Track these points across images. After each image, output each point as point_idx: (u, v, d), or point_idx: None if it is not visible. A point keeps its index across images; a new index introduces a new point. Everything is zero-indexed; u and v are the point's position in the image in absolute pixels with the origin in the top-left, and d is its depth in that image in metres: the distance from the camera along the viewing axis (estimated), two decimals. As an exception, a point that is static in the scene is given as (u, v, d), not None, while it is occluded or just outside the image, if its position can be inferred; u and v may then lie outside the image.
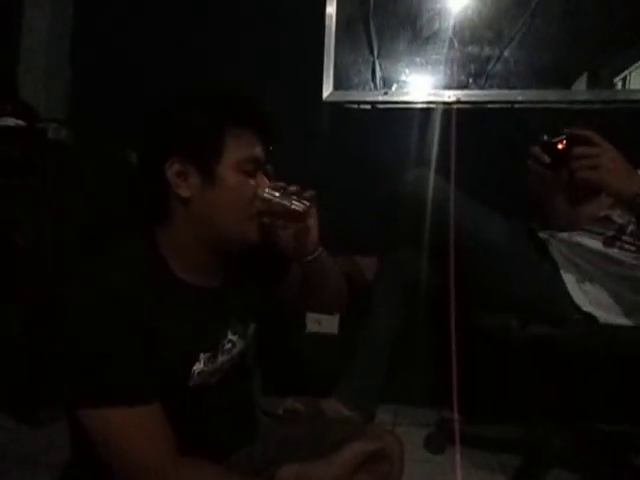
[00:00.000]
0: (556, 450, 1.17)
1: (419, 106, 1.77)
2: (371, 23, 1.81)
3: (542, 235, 1.20)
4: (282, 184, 0.75)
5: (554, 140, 1.02)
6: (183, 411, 0.65)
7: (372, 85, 1.82)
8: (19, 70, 1.84)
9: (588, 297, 1.07)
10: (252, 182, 0.71)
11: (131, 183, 0.80)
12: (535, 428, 1.24)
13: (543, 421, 1.22)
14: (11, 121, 1.48)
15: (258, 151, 0.71)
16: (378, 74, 1.82)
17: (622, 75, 1.72)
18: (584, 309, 1.06)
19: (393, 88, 1.80)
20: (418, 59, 1.81)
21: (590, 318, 1.05)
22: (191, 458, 0.63)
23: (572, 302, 1.07)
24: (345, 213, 1.73)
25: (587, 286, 1.08)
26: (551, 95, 1.71)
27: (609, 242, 1.09)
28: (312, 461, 0.73)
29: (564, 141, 0.99)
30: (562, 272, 1.10)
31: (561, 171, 1.01)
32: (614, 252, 1.07)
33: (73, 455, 0.74)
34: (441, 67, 1.79)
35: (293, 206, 0.73)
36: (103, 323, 0.60)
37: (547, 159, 1.04)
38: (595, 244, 1.10)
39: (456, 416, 1.38)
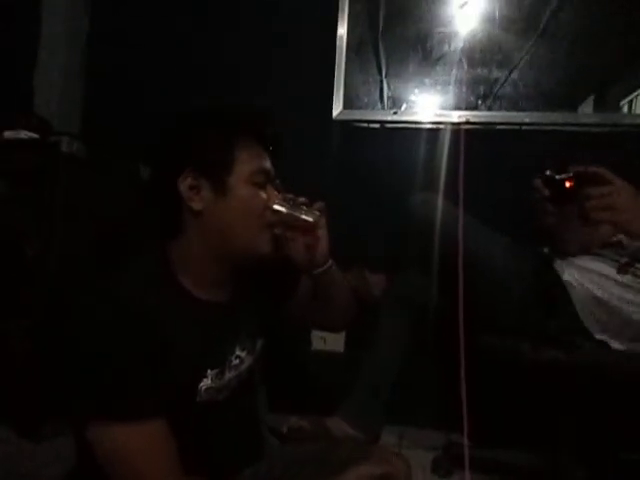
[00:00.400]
0: (569, 477, 1.14)
1: (427, 126, 1.78)
2: (380, 44, 1.84)
3: (554, 259, 1.19)
4: (291, 196, 0.76)
5: (560, 177, 0.94)
6: (189, 428, 0.65)
7: (381, 105, 1.84)
8: (35, 84, 1.87)
9: (599, 324, 1.05)
10: (262, 194, 0.72)
11: (143, 198, 0.80)
12: (547, 454, 1.21)
13: (554, 447, 1.20)
14: (25, 134, 1.50)
15: (267, 164, 0.73)
16: (387, 94, 1.84)
17: (629, 98, 1.73)
18: (596, 337, 1.04)
19: (402, 108, 1.81)
20: (427, 80, 1.83)
21: (601, 344, 1.04)
22: (195, 478, 0.62)
23: (583, 328, 1.05)
24: (354, 230, 1.73)
25: (599, 313, 1.07)
26: (559, 117, 1.72)
27: (623, 269, 1.08)
28: (318, 482, 0.73)
29: (572, 179, 0.91)
30: (573, 298, 1.09)
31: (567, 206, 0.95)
32: (628, 279, 1.06)
33: (77, 470, 0.73)
34: (450, 88, 1.81)
35: (303, 216, 0.74)
36: (114, 339, 0.60)
37: (548, 193, 0.99)
38: (609, 270, 1.09)
39: (465, 440, 1.36)
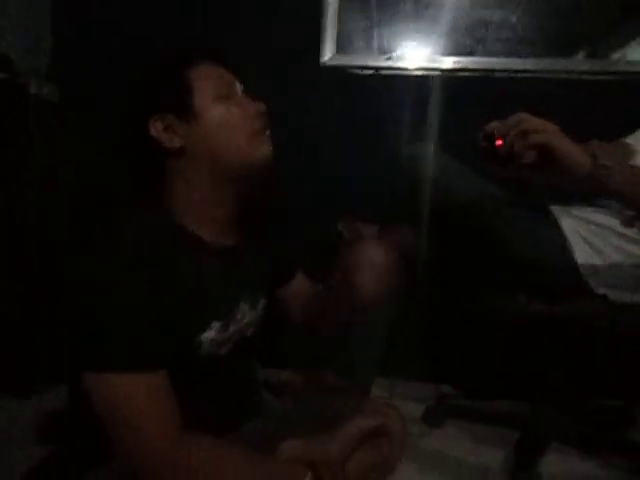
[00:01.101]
0: (556, 425, 1.17)
1: (422, 73, 1.70)
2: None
3: (554, 209, 1.16)
4: None
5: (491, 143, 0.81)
6: (190, 380, 0.63)
7: (375, 50, 1.74)
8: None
9: (600, 277, 1.04)
10: (234, 104, 0.71)
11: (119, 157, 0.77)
12: (536, 404, 1.24)
13: (544, 397, 1.22)
14: (-10, 73, 1.37)
15: (227, 77, 0.72)
16: (380, 38, 1.75)
17: (619, 52, 1.68)
18: (597, 291, 1.03)
19: (396, 53, 1.73)
20: (422, 24, 1.74)
21: (601, 297, 1.03)
22: (194, 432, 0.60)
23: (583, 281, 1.04)
24: (344, 181, 1.67)
25: (599, 265, 1.05)
26: (554, 64, 1.66)
27: (629, 222, 1.05)
28: (313, 437, 0.72)
29: (499, 137, 0.79)
30: (574, 249, 1.07)
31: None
32: (633, 232, 1.04)
33: (70, 425, 0.74)
34: (446, 33, 1.72)
35: None
36: (121, 285, 0.58)
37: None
38: (612, 222, 1.06)
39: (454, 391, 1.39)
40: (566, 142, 0.75)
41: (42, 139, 1.34)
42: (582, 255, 1.06)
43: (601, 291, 1.02)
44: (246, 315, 0.75)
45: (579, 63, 1.67)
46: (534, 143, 0.74)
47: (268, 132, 0.73)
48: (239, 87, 0.74)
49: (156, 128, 0.68)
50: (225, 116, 0.69)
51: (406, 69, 1.72)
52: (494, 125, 0.79)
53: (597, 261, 1.05)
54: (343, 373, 1.26)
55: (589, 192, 0.92)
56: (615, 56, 1.68)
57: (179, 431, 0.59)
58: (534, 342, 1.17)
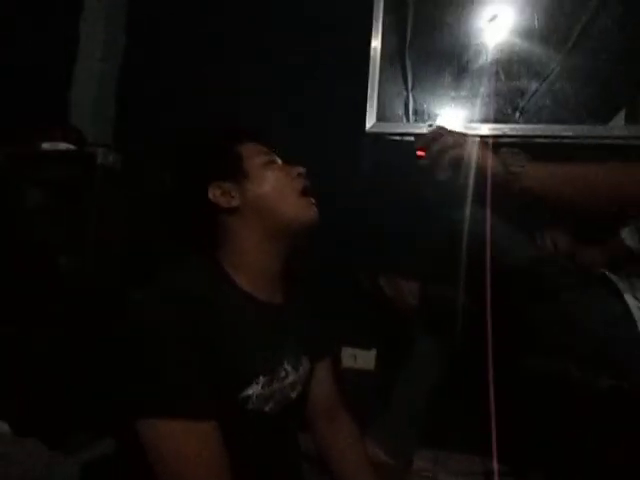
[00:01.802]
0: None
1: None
2: (411, 56, 1.82)
3: (614, 279, 1.12)
4: None
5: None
6: (236, 436, 0.63)
7: (414, 118, 1.81)
8: (70, 95, 1.90)
9: None
10: (279, 168, 0.80)
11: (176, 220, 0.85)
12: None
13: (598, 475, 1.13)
14: (62, 145, 1.51)
15: (264, 149, 0.82)
16: (417, 107, 1.81)
17: None
18: None
19: (437, 121, 1.78)
20: (462, 92, 1.80)
21: None
22: None
23: None
24: (386, 244, 1.70)
25: None
26: (592, 130, 1.67)
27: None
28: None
29: (420, 148, 0.89)
30: (637, 321, 1.02)
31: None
32: None
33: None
34: (485, 100, 1.78)
35: None
36: (177, 335, 0.61)
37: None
38: None
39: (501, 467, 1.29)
40: (482, 153, 0.83)
41: (106, 204, 1.44)
42: None
43: None
44: (289, 375, 0.75)
45: (617, 129, 1.67)
46: (452, 157, 0.83)
47: (311, 198, 0.79)
48: (275, 157, 0.83)
49: (214, 194, 0.76)
50: (273, 177, 0.77)
51: (446, 136, 1.76)
52: (418, 140, 0.89)
53: None
54: (384, 445, 1.20)
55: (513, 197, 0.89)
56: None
57: None
58: (597, 418, 1.10)
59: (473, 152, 0.84)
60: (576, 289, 1.06)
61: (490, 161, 0.84)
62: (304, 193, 0.78)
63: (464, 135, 0.86)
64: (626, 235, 1.29)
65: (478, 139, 0.87)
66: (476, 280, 1.13)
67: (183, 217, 0.82)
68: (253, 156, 0.79)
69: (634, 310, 1.01)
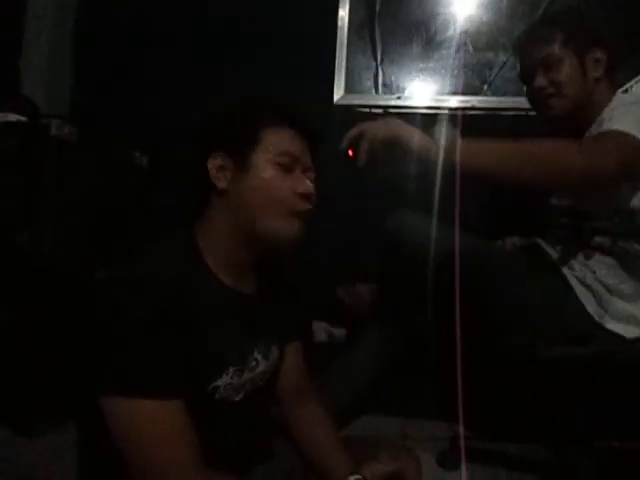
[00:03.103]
0: (575, 469, 1.13)
1: (433, 112, 1.73)
2: (380, 27, 1.79)
3: (549, 251, 1.15)
4: None
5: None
6: (204, 424, 0.62)
7: (383, 90, 1.79)
8: (21, 65, 1.79)
9: (608, 313, 1.01)
10: (288, 177, 0.70)
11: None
12: (555, 447, 1.20)
13: (562, 440, 1.18)
14: (12, 116, 1.42)
15: (295, 148, 0.71)
16: (386, 79, 1.79)
17: (624, 88, 1.70)
18: (607, 327, 1.01)
19: (405, 93, 1.77)
20: (431, 64, 1.79)
21: (614, 335, 1.01)
22: (214, 470, 0.60)
23: (592, 320, 1.01)
24: (352, 222, 1.71)
25: (603, 300, 1.03)
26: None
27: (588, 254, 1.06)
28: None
29: (349, 148, 0.91)
30: (575, 288, 1.04)
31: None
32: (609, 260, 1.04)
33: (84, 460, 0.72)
34: (454, 73, 1.77)
35: None
36: (148, 314, 0.58)
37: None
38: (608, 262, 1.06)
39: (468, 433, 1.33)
40: (406, 131, 0.87)
41: (60, 176, 1.37)
42: (583, 291, 1.04)
43: (611, 326, 1.00)
44: (260, 364, 0.74)
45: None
46: (381, 140, 0.85)
47: (307, 215, 0.72)
48: (307, 159, 0.73)
49: (212, 163, 0.70)
50: (273, 182, 0.69)
51: (414, 108, 1.76)
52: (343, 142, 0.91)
53: (598, 293, 1.03)
54: None
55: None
56: (620, 90, 1.70)
57: (197, 466, 0.58)
58: (553, 384, 1.14)
59: (403, 134, 0.86)
60: (518, 268, 1.08)
61: (422, 140, 0.86)
62: (296, 215, 0.70)
63: (385, 121, 0.88)
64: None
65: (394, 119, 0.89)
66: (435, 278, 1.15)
67: (185, 174, 0.77)
68: (271, 146, 0.69)
69: (571, 280, 1.04)
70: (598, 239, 1.06)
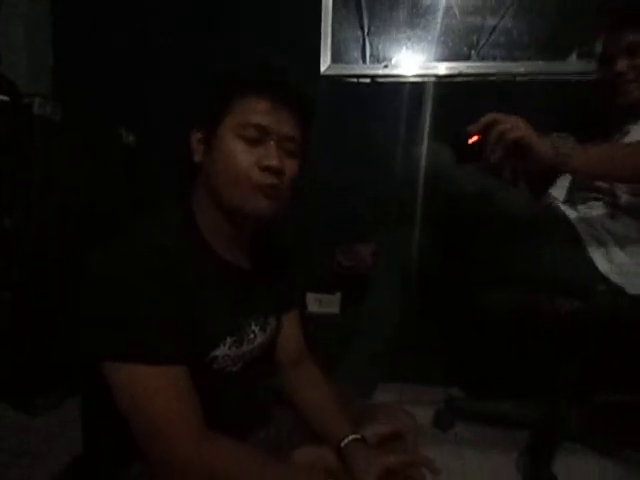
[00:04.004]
0: (570, 423, 1.16)
1: (420, 80, 1.72)
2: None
3: (560, 206, 1.17)
4: None
5: (461, 142, 0.96)
6: (203, 394, 0.62)
7: (370, 59, 1.76)
8: (-1, 43, 1.73)
9: (613, 266, 1.04)
10: (255, 150, 0.67)
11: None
12: (549, 404, 1.23)
13: (558, 396, 1.21)
14: (-8, 96, 1.39)
15: (267, 120, 0.67)
16: (372, 48, 1.77)
17: None
18: (612, 279, 1.04)
19: (393, 61, 1.75)
20: (417, 31, 1.76)
21: (617, 289, 1.03)
22: (218, 432, 0.60)
23: (598, 272, 1.04)
24: (342, 190, 1.70)
25: (612, 254, 1.05)
26: (550, 67, 1.68)
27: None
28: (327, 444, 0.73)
29: (476, 134, 0.94)
30: (585, 241, 1.07)
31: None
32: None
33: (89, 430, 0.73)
34: (441, 39, 1.74)
35: None
36: (146, 280, 0.59)
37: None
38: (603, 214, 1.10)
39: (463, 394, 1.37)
40: (534, 135, 0.90)
41: (44, 157, 1.35)
42: (591, 243, 1.07)
43: (615, 279, 1.03)
44: (257, 336, 0.75)
45: (569, 65, 1.69)
46: (510, 139, 0.89)
47: (274, 189, 0.68)
48: (285, 129, 0.68)
49: (194, 136, 0.71)
50: (235, 156, 0.66)
51: (402, 76, 1.74)
52: (471, 127, 0.93)
53: (606, 248, 1.06)
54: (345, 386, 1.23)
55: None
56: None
57: (202, 428, 0.59)
58: (547, 339, 1.17)
59: (530, 135, 0.90)
60: (532, 222, 1.10)
61: (543, 143, 0.91)
62: (259, 189, 0.67)
63: (517, 120, 0.91)
64: None
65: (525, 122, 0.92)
66: (444, 219, 1.17)
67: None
68: (239, 119, 0.66)
69: (583, 235, 1.07)
70: (625, 198, 1.10)
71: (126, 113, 1.71)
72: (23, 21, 1.74)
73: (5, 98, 1.39)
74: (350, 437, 0.72)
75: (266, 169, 0.66)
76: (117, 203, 1.61)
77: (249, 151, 0.66)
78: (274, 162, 0.66)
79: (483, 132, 0.92)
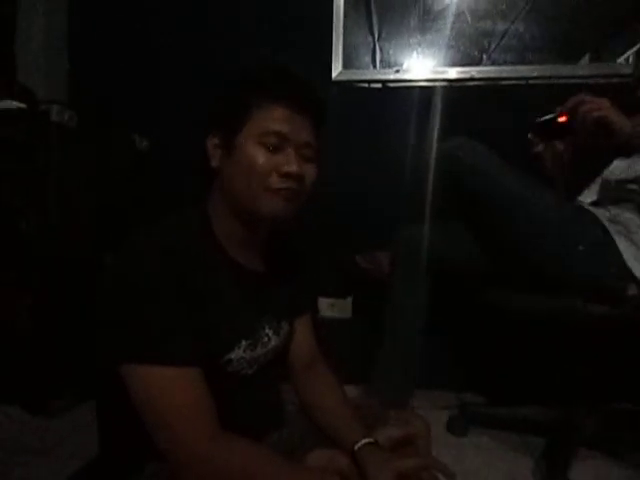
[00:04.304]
0: (586, 431, 1.14)
1: (432, 84, 1.72)
2: (372, 0, 1.77)
3: (590, 208, 1.16)
4: None
5: (551, 116, 1.12)
6: (217, 396, 0.63)
7: (379, 65, 1.77)
8: (17, 51, 1.77)
9: None
10: (274, 157, 0.68)
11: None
12: (565, 409, 1.21)
13: (575, 402, 1.19)
14: (11, 104, 1.42)
15: (286, 128, 0.68)
16: (384, 53, 1.77)
17: (624, 56, 1.69)
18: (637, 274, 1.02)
19: (404, 66, 1.75)
20: (428, 36, 1.76)
21: None
22: (232, 433, 0.61)
23: (629, 273, 1.03)
24: (356, 193, 1.71)
25: None
26: (562, 70, 1.67)
27: None
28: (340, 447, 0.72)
29: (564, 113, 1.09)
30: (617, 243, 1.06)
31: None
32: None
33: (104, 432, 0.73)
34: (452, 44, 1.75)
35: None
36: (161, 282, 0.60)
37: (544, 138, 1.22)
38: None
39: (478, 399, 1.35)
40: (616, 115, 1.02)
41: (60, 162, 1.37)
42: (624, 245, 1.06)
43: None
44: (271, 340, 0.76)
45: (582, 68, 1.68)
46: (595, 118, 1.02)
47: (293, 193, 0.69)
48: (303, 135, 0.69)
49: (210, 142, 0.71)
50: (255, 161, 0.67)
51: (413, 81, 1.74)
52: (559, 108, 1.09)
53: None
54: (384, 397, 1.23)
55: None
56: (620, 59, 1.69)
57: (217, 428, 0.60)
58: (569, 343, 1.15)
59: (612, 114, 1.02)
60: (564, 223, 1.10)
61: (623, 123, 1.03)
62: (276, 193, 0.68)
63: (602, 100, 1.04)
64: None
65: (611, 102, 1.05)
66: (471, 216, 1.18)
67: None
68: (256, 127, 0.67)
69: (615, 236, 1.06)
70: None
71: (140, 119, 1.74)
72: (40, 29, 1.78)
73: (23, 105, 1.42)
74: (363, 441, 0.72)
75: (286, 175, 0.67)
76: (130, 207, 1.63)
77: (269, 158, 0.67)
78: (294, 168, 0.67)
79: (570, 112, 1.06)
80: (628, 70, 1.65)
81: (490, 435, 1.31)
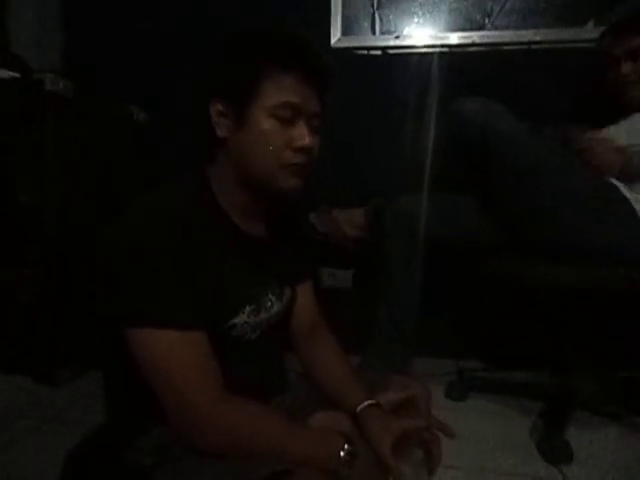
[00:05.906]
0: (583, 394, 1.17)
1: (433, 50, 1.68)
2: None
3: (616, 183, 1.14)
4: None
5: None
6: (221, 360, 0.63)
7: (379, 31, 1.73)
8: (8, 20, 1.73)
9: None
10: (286, 130, 0.66)
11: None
12: (562, 375, 1.23)
13: (572, 368, 1.21)
14: (4, 73, 1.39)
15: (298, 98, 0.66)
16: (383, 19, 1.73)
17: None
18: None
19: (404, 32, 1.71)
20: (429, 0, 1.71)
21: None
22: (237, 395, 0.62)
23: None
24: (355, 161, 1.70)
25: None
26: (566, 34, 1.64)
27: None
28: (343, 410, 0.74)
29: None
30: None
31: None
32: None
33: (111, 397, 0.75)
34: (454, 6, 1.70)
35: None
36: (164, 246, 0.59)
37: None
38: None
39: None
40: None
41: (58, 133, 1.35)
42: None
43: None
44: (274, 305, 0.76)
45: (586, 32, 1.64)
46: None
47: (303, 167, 0.69)
48: (312, 105, 0.68)
49: (215, 109, 0.68)
50: (266, 136, 0.66)
51: (414, 47, 1.70)
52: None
53: None
54: (379, 362, 1.24)
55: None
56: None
57: (221, 390, 0.61)
58: (563, 311, 1.16)
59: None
60: (588, 198, 1.08)
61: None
62: (289, 167, 0.67)
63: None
64: None
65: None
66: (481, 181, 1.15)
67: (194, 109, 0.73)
68: (271, 98, 0.65)
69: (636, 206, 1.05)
70: None
71: (137, 91, 1.70)
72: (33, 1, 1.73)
73: (16, 74, 1.40)
74: (366, 402, 0.73)
75: (299, 149, 0.67)
76: (129, 179, 1.62)
77: (283, 132, 0.66)
78: (307, 142, 0.67)
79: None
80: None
81: (488, 399, 1.34)
